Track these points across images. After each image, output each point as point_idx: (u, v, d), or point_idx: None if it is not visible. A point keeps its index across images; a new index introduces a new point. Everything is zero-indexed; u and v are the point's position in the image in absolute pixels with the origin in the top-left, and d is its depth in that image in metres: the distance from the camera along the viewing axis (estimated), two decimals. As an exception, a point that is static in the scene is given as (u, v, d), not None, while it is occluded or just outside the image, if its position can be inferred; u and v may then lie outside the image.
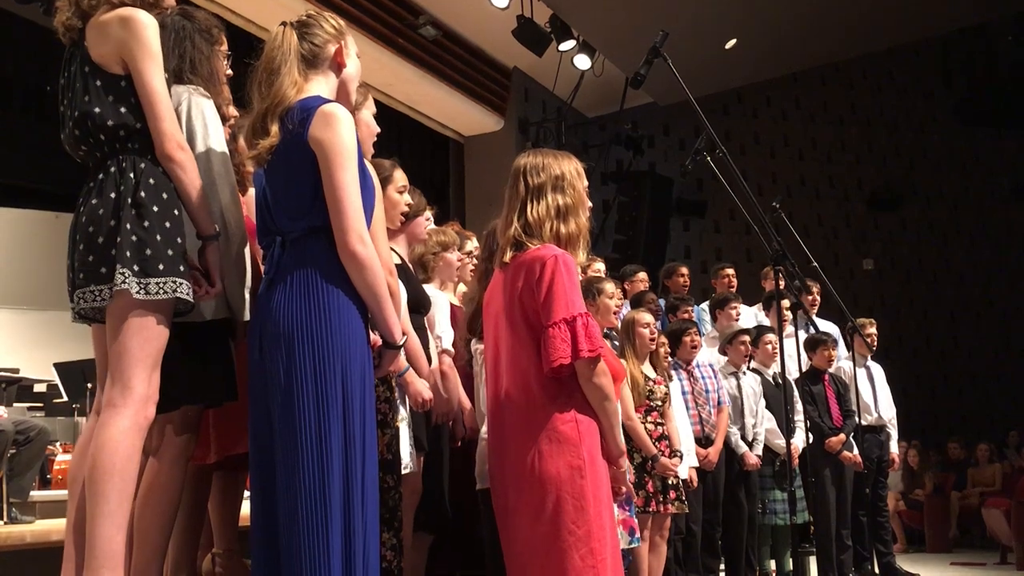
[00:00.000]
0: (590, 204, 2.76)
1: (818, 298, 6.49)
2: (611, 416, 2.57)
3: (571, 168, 2.68)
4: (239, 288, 2.57)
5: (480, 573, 3.67)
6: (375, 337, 2.41)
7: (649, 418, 4.38)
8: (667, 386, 4.54)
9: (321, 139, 2.25)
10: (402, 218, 3.32)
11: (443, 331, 3.65)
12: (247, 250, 2.64)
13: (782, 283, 3.83)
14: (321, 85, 2.41)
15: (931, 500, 9.85)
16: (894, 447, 6.46)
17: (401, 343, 2.48)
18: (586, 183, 2.73)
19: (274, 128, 2.29)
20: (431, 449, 3.46)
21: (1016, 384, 10.07)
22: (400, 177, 3.28)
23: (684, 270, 6.65)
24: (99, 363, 2.47)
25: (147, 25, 2.32)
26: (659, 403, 4.43)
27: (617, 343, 4.55)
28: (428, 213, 4.19)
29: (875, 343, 6.39)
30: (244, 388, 2.54)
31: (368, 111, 3.01)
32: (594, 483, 2.46)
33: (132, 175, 2.28)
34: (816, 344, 5.94)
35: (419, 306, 3.42)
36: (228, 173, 2.60)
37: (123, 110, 2.32)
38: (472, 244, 4.34)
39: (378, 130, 3.05)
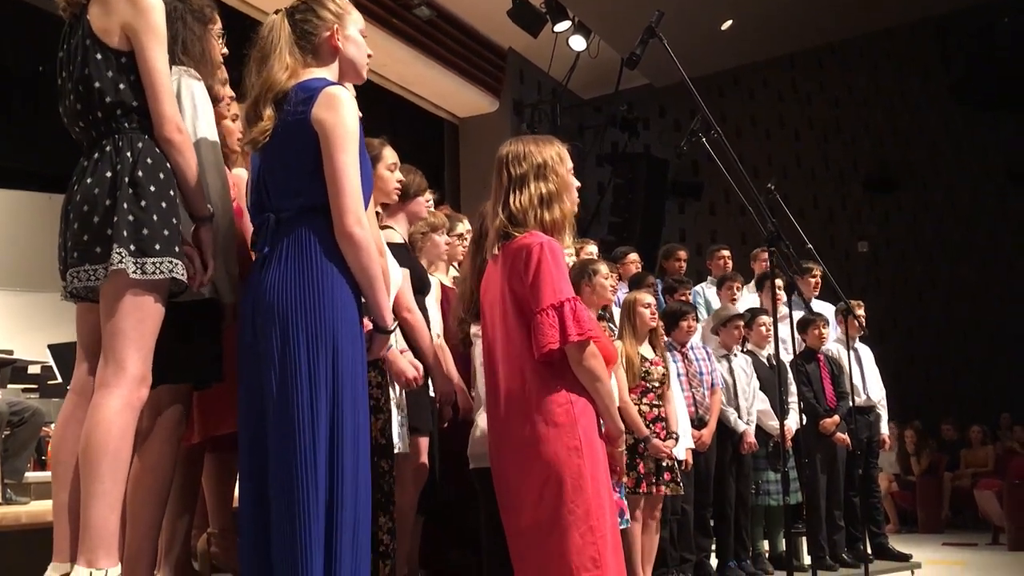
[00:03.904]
0: (577, 184, 2.78)
1: (819, 282, 6.48)
2: (605, 397, 2.61)
3: (553, 154, 2.70)
4: (224, 271, 2.57)
5: (475, 553, 3.69)
6: (366, 321, 2.41)
7: (645, 399, 4.38)
8: (666, 367, 4.55)
9: (324, 120, 2.26)
10: (397, 192, 3.31)
11: (431, 314, 3.66)
12: (233, 234, 2.64)
13: (777, 264, 3.84)
14: (322, 70, 2.42)
15: (924, 481, 9.91)
16: (884, 428, 6.48)
17: (392, 328, 2.48)
18: (570, 165, 2.75)
19: (267, 112, 2.30)
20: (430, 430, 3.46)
21: (1010, 366, 10.09)
22: (390, 155, 3.28)
23: (682, 253, 6.65)
24: (81, 341, 2.47)
25: (154, 6, 2.33)
26: (656, 384, 4.44)
27: (613, 324, 4.56)
28: (429, 195, 4.20)
29: (864, 324, 6.40)
30: (228, 369, 2.54)
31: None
32: (591, 463, 2.51)
33: (129, 154, 2.27)
34: (807, 324, 5.96)
35: (421, 287, 3.42)
36: (216, 156, 2.60)
37: (122, 86, 2.31)
38: (463, 226, 4.34)
39: (359, 115, 3.05)
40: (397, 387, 3.16)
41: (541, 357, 2.51)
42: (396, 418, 3.15)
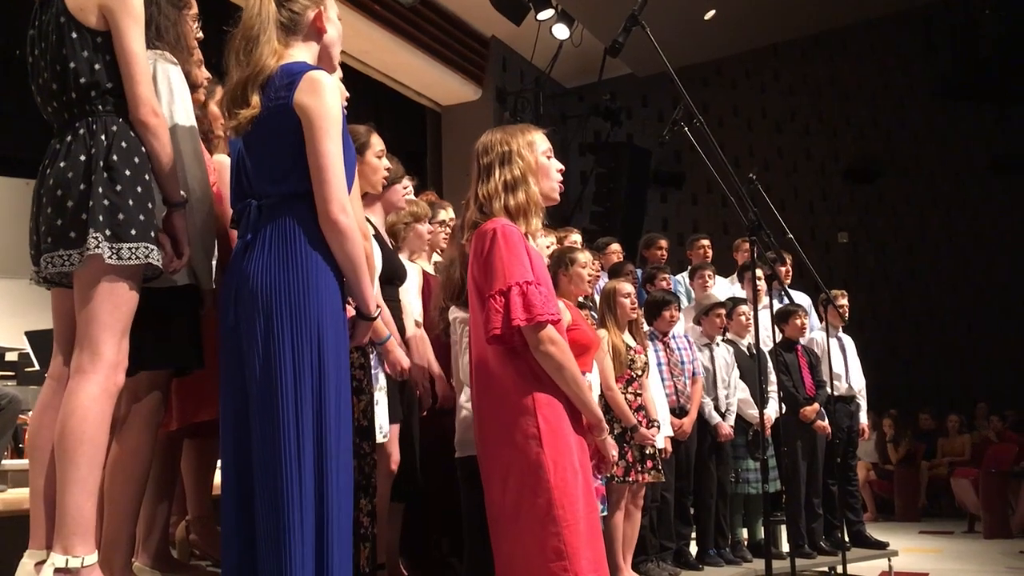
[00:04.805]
0: (560, 167, 2.76)
1: (790, 269, 6.53)
2: (571, 384, 2.55)
3: (522, 140, 2.70)
4: (203, 257, 2.55)
5: (456, 540, 3.70)
6: (349, 308, 2.40)
7: (631, 388, 4.39)
8: (646, 355, 4.56)
9: (307, 105, 2.23)
10: (384, 180, 3.31)
11: (410, 300, 3.66)
12: (213, 220, 2.62)
13: (757, 254, 3.85)
14: (303, 52, 2.38)
15: (901, 470, 10.00)
16: (863, 417, 6.54)
17: (376, 315, 2.47)
18: (543, 148, 2.73)
19: (255, 99, 2.27)
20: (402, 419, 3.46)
21: (987, 356, 10.20)
22: (377, 142, 3.27)
23: (663, 242, 6.70)
24: (58, 328, 2.45)
25: None
26: (639, 372, 4.45)
27: (595, 313, 4.56)
28: (407, 182, 4.18)
29: (847, 314, 6.44)
30: (208, 356, 2.53)
31: (334, 75, 2.98)
32: (554, 450, 2.46)
33: (103, 137, 2.24)
34: (787, 315, 5.99)
35: (394, 276, 3.41)
36: (194, 141, 2.58)
37: (97, 67, 2.27)
38: (447, 213, 4.34)
39: (347, 95, 3.03)
40: (383, 375, 3.17)
41: (490, 342, 2.50)
42: (384, 407, 3.15)
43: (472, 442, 2.89)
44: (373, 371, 3.07)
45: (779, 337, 6.00)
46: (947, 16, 10.49)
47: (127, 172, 2.24)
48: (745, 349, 5.71)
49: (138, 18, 2.30)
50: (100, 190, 2.19)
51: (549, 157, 2.74)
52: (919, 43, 10.95)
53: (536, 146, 2.71)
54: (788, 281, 6.51)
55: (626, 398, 4.33)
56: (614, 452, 2.96)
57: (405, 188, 3.63)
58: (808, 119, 11.77)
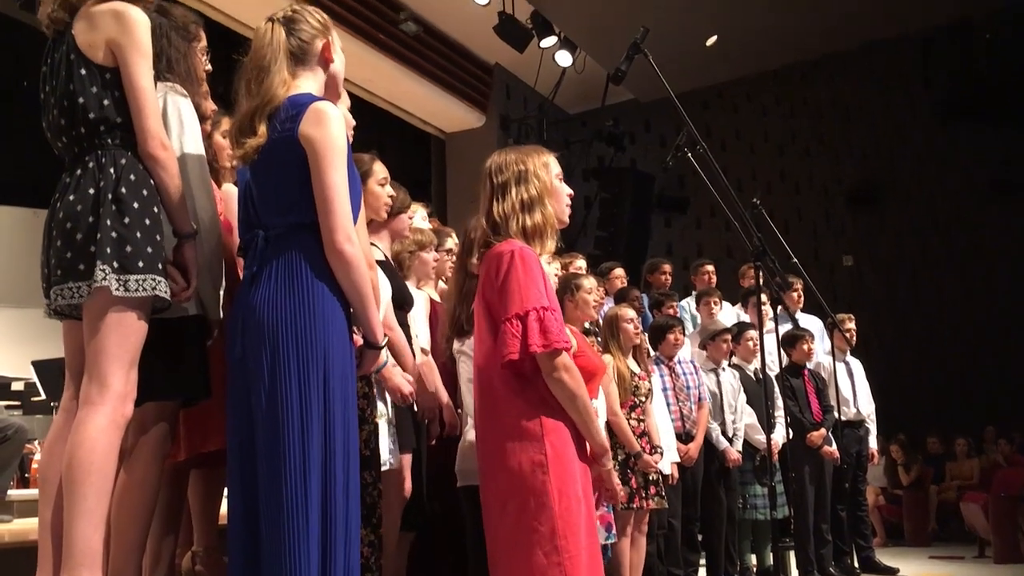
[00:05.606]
0: (569, 191, 2.73)
1: (801, 295, 6.53)
2: (581, 412, 2.52)
3: (537, 161, 2.66)
4: (211, 287, 2.56)
5: (462, 569, 3.68)
6: (357, 337, 2.40)
7: (634, 414, 4.38)
8: (650, 381, 4.56)
9: (312, 136, 2.25)
10: (388, 207, 3.32)
11: (419, 330, 3.66)
12: (221, 250, 2.63)
13: (762, 279, 3.86)
14: (310, 82, 2.40)
15: (910, 494, 9.93)
16: (872, 442, 6.51)
17: (383, 344, 2.47)
18: (557, 171, 2.70)
19: (262, 128, 2.28)
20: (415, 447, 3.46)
21: (994, 378, 10.14)
22: (380, 170, 3.28)
23: (667, 267, 6.71)
24: (69, 360, 2.45)
25: (140, 22, 2.33)
26: (643, 399, 4.45)
27: (600, 339, 4.57)
28: (420, 209, 4.19)
29: (854, 338, 6.43)
30: (215, 386, 2.53)
31: (342, 104, 3.01)
32: (560, 479, 2.43)
33: (112, 170, 2.27)
34: (794, 340, 5.98)
35: (403, 303, 3.42)
36: (203, 172, 2.59)
37: (106, 103, 2.30)
38: (453, 241, 4.35)
39: (354, 123, 3.05)
40: (389, 403, 3.16)
41: (504, 367, 2.45)
42: (388, 434, 3.14)
43: (475, 471, 2.88)
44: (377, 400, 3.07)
45: (785, 362, 5.99)
46: (945, 40, 10.54)
47: (135, 205, 2.26)
48: (752, 374, 5.70)
49: (146, 53, 2.33)
50: (108, 222, 2.21)
51: (561, 180, 2.71)
52: (919, 65, 10.99)
53: (551, 168, 2.68)
54: (800, 305, 6.51)
55: (629, 424, 4.32)
56: (618, 482, 2.95)
57: (411, 217, 3.64)
58: (809, 142, 11.80)
